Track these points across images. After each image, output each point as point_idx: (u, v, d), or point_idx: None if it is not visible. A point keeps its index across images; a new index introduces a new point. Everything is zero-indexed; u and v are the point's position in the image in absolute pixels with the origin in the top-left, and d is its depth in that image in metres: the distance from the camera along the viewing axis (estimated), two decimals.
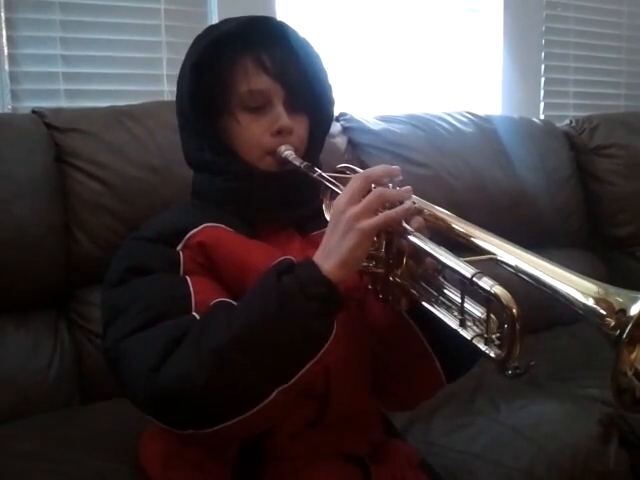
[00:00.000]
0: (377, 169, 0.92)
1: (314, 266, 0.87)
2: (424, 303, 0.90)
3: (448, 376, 1.04)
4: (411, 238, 0.87)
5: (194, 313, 0.93)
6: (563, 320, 2.02)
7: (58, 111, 1.64)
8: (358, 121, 2.02)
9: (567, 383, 1.69)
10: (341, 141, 1.93)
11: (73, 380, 1.49)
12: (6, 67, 1.80)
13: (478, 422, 1.46)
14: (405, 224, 0.88)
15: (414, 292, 0.92)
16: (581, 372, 1.76)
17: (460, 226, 0.89)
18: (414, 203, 0.91)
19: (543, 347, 1.89)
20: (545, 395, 1.60)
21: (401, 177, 0.92)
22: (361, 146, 1.97)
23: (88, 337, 1.51)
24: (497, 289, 0.75)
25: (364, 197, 0.88)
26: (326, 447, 1.04)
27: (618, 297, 0.70)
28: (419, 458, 1.16)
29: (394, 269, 0.93)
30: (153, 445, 1.07)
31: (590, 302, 0.71)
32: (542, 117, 2.71)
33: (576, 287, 0.73)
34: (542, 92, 2.78)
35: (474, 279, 0.77)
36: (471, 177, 2.06)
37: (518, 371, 0.77)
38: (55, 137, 1.54)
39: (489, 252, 0.83)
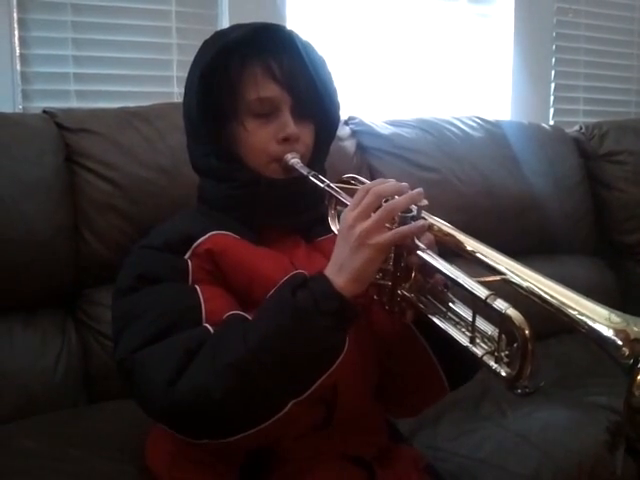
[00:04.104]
0: (388, 187, 0.91)
1: (327, 281, 0.89)
2: (432, 317, 0.90)
3: (451, 384, 1.04)
4: (423, 255, 0.88)
5: (206, 324, 0.94)
6: (569, 327, 2.01)
7: (69, 111, 1.64)
8: (367, 125, 2.02)
9: (574, 390, 1.69)
10: (350, 145, 1.93)
11: (80, 380, 1.49)
12: (18, 67, 1.81)
13: (484, 428, 1.46)
14: (417, 241, 0.89)
15: (421, 306, 0.92)
16: (588, 379, 1.75)
17: (470, 244, 0.89)
18: (425, 219, 0.91)
19: (549, 354, 1.88)
20: (551, 402, 1.60)
21: (426, 202, 0.91)
22: (370, 150, 1.97)
23: (95, 337, 1.51)
24: (511, 312, 0.76)
25: (374, 211, 0.89)
26: (332, 449, 1.05)
27: (635, 326, 0.70)
28: (424, 462, 1.16)
29: (402, 282, 0.93)
30: (159, 445, 1.07)
31: (610, 333, 0.71)
32: (552, 123, 2.71)
33: (592, 316, 0.73)
34: (552, 98, 2.77)
35: (488, 301, 0.78)
36: (480, 182, 2.05)
37: (527, 390, 0.77)
38: (65, 137, 1.55)
39: (499, 272, 0.83)
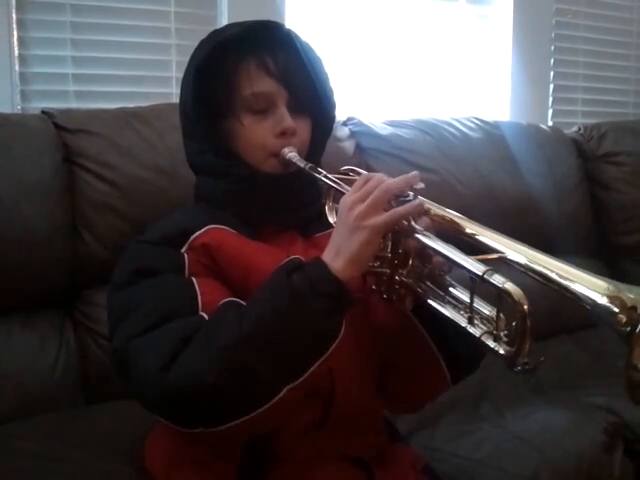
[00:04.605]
0: (395, 183, 0.91)
1: (323, 264, 0.89)
2: (431, 302, 0.90)
3: (453, 377, 1.04)
4: (420, 237, 0.88)
5: (202, 313, 0.93)
6: (568, 327, 2.02)
7: (67, 112, 1.65)
8: (366, 125, 2.02)
9: (572, 391, 1.69)
10: (349, 145, 1.93)
11: (78, 380, 1.49)
12: (16, 68, 1.81)
13: (482, 429, 1.46)
14: (414, 223, 0.89)
15: (420, 291, 0.92)
16: (586, 380, 1.75)
17: (468, 226, 0.89)
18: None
19: (548, 354, 1.88)
20: (550, 403, 1.60)
21: (422, 185, 0.92)
22: (369, 150, 1.97)
23: (94, 338, 1.51)
24: (509, 286, 0.76)
25: None
26: (330, 449, 1.04)
27: (630, 294, 0.71)
28: (423, 463, 1.16)
29: (399, 269, 0.93)
30: (157, 446, 1.08)
31: (604, 300, 0.71)
32: (550, 124, 2.71)
33: (589, 285, 0.73)
34: (550, 99, 2.78)
35: (485, 276, 0.78)
36: (478, 183, 2.05)
37: (527, 367, 0.77)
38: (64, 138, 1.55)
39: (497, 251, 0.83)
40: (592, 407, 1.58)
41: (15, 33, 1.80)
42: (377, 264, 0.94)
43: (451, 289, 0.91)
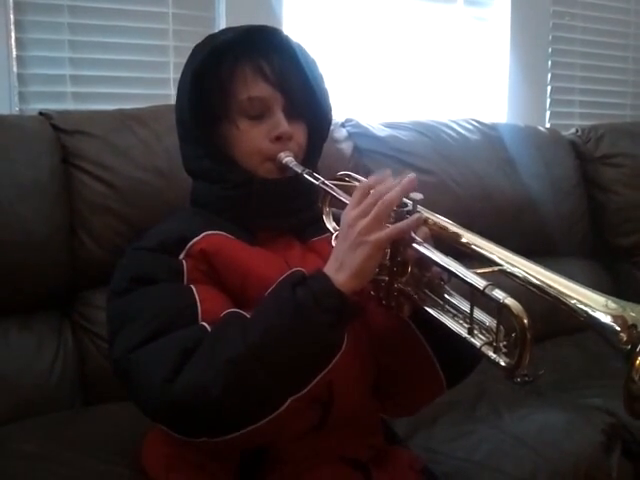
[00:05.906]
0: (395, 195, 0.91)
1: (327, 278, 0.89)
2: (429, 310, 0.90)
3: (448, 380, 1.05)
4: (420, 248, 0.89)
5: (203, 322, 0.93)
6: (566, 329, 2.02)
7: (65, 113, 1.64)
8: (364, 127, 2.02)
9: (570, 392, 1.69)
10: (347, 147, 1.93)
11: (76, 382, 1.48)
12: (14, 69, 1.81)
13: (480, 430, 1.46)
14: (413, 234, 0.89)
15: (419, 299, 0.93)
16: (584, 381, 1.76)
17: (464, 235, 0.90)
18: (419, 212, 0.91)
19: (546, 356, 1.89)
20: (548, 404, 1.60)
21: (421, 196, 0.92)
22: (366, 152, 1.97)
23: (92, 339, 1.51)
24: (509, 301, 0.77)
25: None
26: (328, 451, 1.04)
27: (631, 312, 0.71)
28: (421, 464, 1.16)
29: (398, 277, 0.93)
30: (155, 447, 1.07)
31: (608, 319, 0.72)
32: (548, 125, 2.71)
33: (589, 302, 0.74)
34: (548, 100, 2.78)
35: (486, 291, 0.79)
36: (476, 185, 2.06)
37: (527, 379, 0.78)
38: (62, 139, 1.55)
39: (494, 262, 0.83)
40: (590, 408, 1.58)
41: (13, 34, 1.80)
42: (376, 271, 0.94)
43: (450, 298, 0.91)
